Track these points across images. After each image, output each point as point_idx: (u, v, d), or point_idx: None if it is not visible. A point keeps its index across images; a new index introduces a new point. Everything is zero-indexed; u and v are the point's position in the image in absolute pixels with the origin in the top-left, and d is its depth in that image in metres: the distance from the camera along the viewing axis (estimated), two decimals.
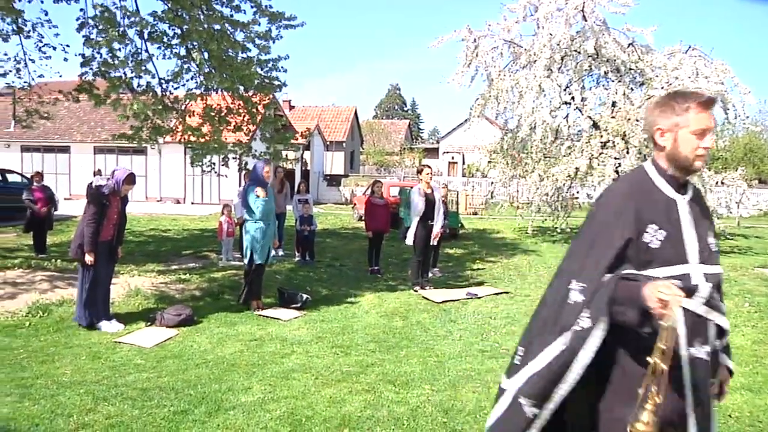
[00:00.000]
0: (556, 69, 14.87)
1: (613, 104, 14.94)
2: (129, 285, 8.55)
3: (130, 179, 6.81)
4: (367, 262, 11.32)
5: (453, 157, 44.29)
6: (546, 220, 17.43)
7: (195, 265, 11.10)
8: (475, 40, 15.80)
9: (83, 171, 28.00)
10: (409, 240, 9.42)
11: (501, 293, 9.28)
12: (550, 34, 14.65)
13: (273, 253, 8.25)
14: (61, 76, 11.89)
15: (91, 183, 6.82)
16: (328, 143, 39.17)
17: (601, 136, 14.81)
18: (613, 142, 14.62)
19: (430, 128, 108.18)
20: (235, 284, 9.11)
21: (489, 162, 18.98)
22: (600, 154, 14.79)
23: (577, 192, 17.17)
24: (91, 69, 9.07)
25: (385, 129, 55.77)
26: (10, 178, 18.72)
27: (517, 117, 15.52)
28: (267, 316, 7.57)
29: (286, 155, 12.74)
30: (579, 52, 14.95)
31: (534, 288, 9.79)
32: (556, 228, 16.76)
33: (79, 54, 9.09)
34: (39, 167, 27.52)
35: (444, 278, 10.72)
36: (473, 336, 6.84)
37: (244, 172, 12.24)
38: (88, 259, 6.61)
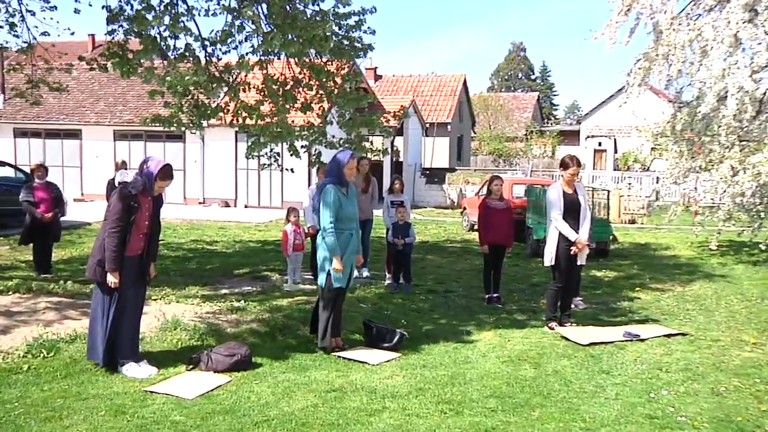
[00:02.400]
0: (763, 9, 13.97)
1: None
2: (164, 315, 8.82)
3: (166, 173, 6.96)
4: (482, 287, 11.32)
5: (600, 143, 43.23)
6: (742, 232, 16.67)
7: (252, 289, 11.39)
8: None
9: (100, 163, 29.57)
10: (548, 260, 9.25)
11: (675, 335, 8.96)
12: None
13: (356, 273, 8.32)
14: (73, 34, 11.82)
15: (112, 179, 7.16)
16: (427, 126, 39.40)
17: None
18: None
19: (567, 103, 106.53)
20: (305, 315, 9.27)
21: (654, 149, 18.38)
22: None
23: None
24: (121, 26, 9.24)
25: (505, 105, 55.50)
26: (1, 172, 18.46)
27: (697, 84, 14.81)
28: (349, 359, 7.65)
29: (372, 142, 12.86)
30: None
31: (726, 329, 9.36)
32: (758, 243, 15.94)
33: (104, 6, 9.31)
34: (40, 158, 28.85)
35: (591, 312, 10.50)
36: (636, 394, 6.64)
37: (316, 165, 12.49)
38: (111, 279, 6.76)
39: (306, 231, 12.14)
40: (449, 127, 42.19)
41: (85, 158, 30.05)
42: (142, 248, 7.02)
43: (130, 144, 29.01)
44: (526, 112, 57.45)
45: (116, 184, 6.92)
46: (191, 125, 11.02)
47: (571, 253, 9.13)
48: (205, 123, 11.40)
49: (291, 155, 12.01)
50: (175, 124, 10.75)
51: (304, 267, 12.51)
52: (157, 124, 10.77)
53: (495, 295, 11.06)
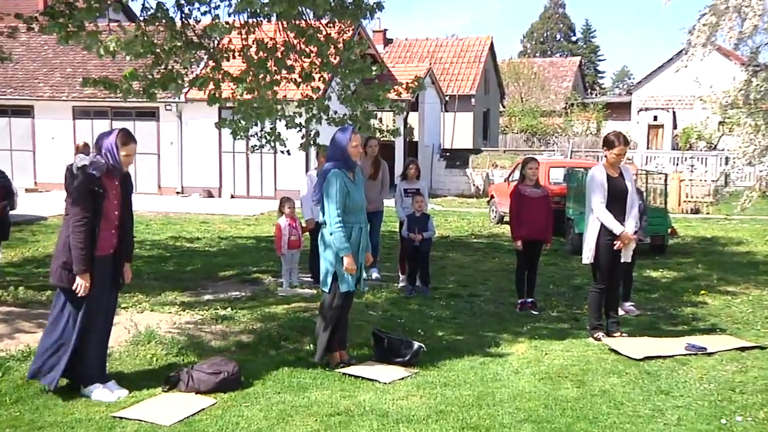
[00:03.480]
0: None
1: None
2: (136, 326, 8.85)
3: (127, 135, 7.01)
4: (514, 290, 11.33)
5: (655, 118, 43.17)
6: None
7: (240, 295, 11.44)
8: None
9: (57, 146, 29.51)
10: (587, 257, 9.25)
11: (750, 348, 8.91)
12: None
13: (365, 275, 8.33)
14: None
15: (71, 165, 7.00)
16: (447, 99, 39.38)
17: None
18: None
19: (615, 69, 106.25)
20: (304, 324, 9.32)
21: (722, 124, 18.27)
22: None
23: None
24: None
25: (540, 73, 55.47)
26: None
27: None
28: (356, 376, 7.66)
29: (381, 120, 12.88)
30: None
31: None
32: None
33: None
34: None
35: (645, 319, 10.49)
36: (703, 420, 6.63)
37: (315, 147, 12.52)
38: (80, 284, 6.73)
39: (304, 225, 12.18)
40: (473, 100, 42.16)
41: (39, 140, 30.17)
42: (114, 246, 7.01)
43: (93, 123, 29.08)
44: (566, 81, 57.41)
45: (76, 169, 6.89)
46: (145, 92, 10.87)
47: (615, 248, 9.12)
48: (181, 97, 11.35)
49: (288, 128, 12.01)
50: (142, 93, 10.62)
51: (302, 268, 12.51)
52: (115, 94, 10.61)
53: (529, 300, 11.05)
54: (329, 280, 7.82)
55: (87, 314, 6.91)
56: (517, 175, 14.78)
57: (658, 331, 9.78)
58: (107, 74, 12.45)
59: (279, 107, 11.63)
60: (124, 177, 7.09)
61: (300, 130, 12.34)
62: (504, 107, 51.80)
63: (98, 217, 6.82)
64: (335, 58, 11.55)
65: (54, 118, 29.78)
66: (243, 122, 11.55)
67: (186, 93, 23.54)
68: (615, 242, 9.12)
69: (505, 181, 23.07)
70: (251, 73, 10.97)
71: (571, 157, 32.58)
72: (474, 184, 33.53)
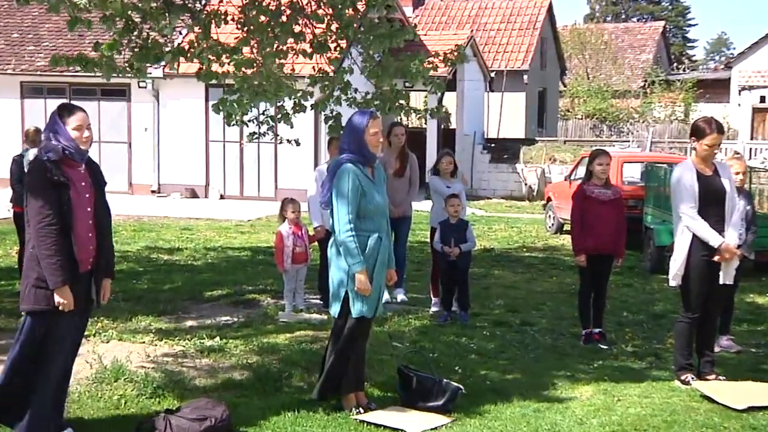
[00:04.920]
0: None
1: None
2: (100, 359, 8.83)
3: (67, 107, 7.06)
4: (577, 317, 11.32)
5: (762, 98, 42.79)
6: None
7: (231, 321, 11.48)
8: None
9: (0, 131, 29.66)
10: (675, 277, 9.17)
11: None
12: None
13: (387, 297, 8.32)
14: None
15: (19, 156, 7.04)
16: (492, 76, 39.34)
17: None
18: None
19: (710, 37, 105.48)
20: (312, 358, 9.31)
21: None
22: None
23: None
24: None
25: (612, 43, 55.20)
26: None
27: None
28: (377, 425, 7.66)
29: (406, 105, 12.87)
30: None
31: None
32: None
33: None
34: None
35: (747, 359, 10.42)
36: None
37: (327, 135, 12.54)
38: (60, 301, 6.65)
39: (311, 233, 12.19)
40: (526, 77, 42.05)
41: None
42: (93, 256, 6.96)
43: (46, 102, 29.14)
44: (645, 53, 57.16)
45: (28, 161, 6.96)
46: (130, 70, 10.96)
47: (713, 264, 9.03)
48: (157, 70, 11.40)
49: (295, 114, 12.03)
50: (102, 70, 10.65)
51: (310, 287, 12.52)
52: (81, 70, 10.69)
53: (597, 330, 11.01)
54: (340, 303, 7.80)
55: (56, 343, 6.87)
56: (581, 172, 14.75)
57: (765, 374, 9.67)
58: (66, 41, 12.54)
59: (288, 82, 11.67)
60: (89, 164, 7.07)
61: (320, 112, 12.36)
62: (565, 86, 51.62)
63: (68, 215, 6.72)
64: (355, 21, 11.57)
65: None
66: (243, 103, 11.56)
67: (164, 66, 23.69)
68: (712, 258, 9.01)
69: (565, 179, 23.01)
70: (250, 42, 11.01)
71: (650, 150, 32.43)
72: (526, 183, 33.42)
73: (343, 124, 11.70)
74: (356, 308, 7.74)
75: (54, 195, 6.70)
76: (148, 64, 10.90)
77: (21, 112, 29.57)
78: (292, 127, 12.36)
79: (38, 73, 29.07)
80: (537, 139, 37.83)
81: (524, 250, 19.55)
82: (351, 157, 7.75)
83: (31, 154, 7.09)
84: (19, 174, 12.70)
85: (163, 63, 11.18)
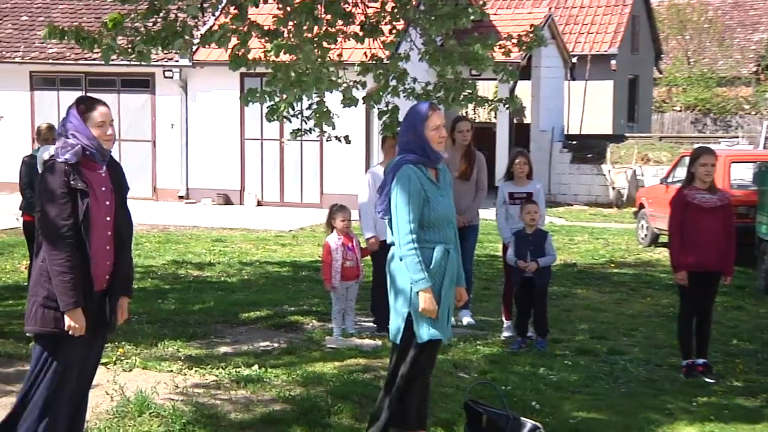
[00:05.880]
0: None
1: None
2: (122, 390, 8.90)
3: (88, 101, 7.00)
4: (676, 346, 11.22)
5: None
6: None
7: (271, 347, 11.51)
8: None
9: (7, 128, 29.93)
10: None
11: None
12: None
13: (453, 320, 8.29)
14: None
15: (30, 157, 7.01)
16: (574, 61, 39.09)
17: None
18: None
19: None
20: (364, 391, 9.32)
21: None
22: None
23: None
24: None
25: (718, 21, 54.40)
26: None
27: None
28: None
29: (474, 95, 12.83)
30: None
31: None
32: None
33: None
34: None
35: None
36: None
37: (381, 132, 12.54)
38: (71, 324, 6.65)
39: (364, 246, 12.21)
40: (614, 63, 41.66)
41: None
42: (110, 272, 6.97)
43: (59, 95, 29.55)
44: (759, 32, 56.24)
45: (42, 162, 6.96)
46: (131, 53, 10.98)
47: None
48: (184, 59, 11.47)
49: (345, 106, 12.06)
50: (98, 48, 10.66)
51: (361, 307, 12.54)
52: (94, 54, 10.82)
53: (700, 361, 10.87)
54: (400, 326, 7.75)
55: (56, 367, 6.85)
56: (680, 174, 14.63)
57: None
58: (83, 25, 12.63)
59: (332, 70, 11.69)
60: (111, 166, 7.06)
61: (372, 106, 12.37)
62: (661, 72, 51.08)
63: (86, 226, 6.72)
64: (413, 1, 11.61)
65: (2, 89, 30.28)
66: (292, 97, 11.58)
67: (194, 53, 23.79)
68: None
69: (661, 182, 22.78)
70: (291, 24, 11.05)
71: (765, 147, 32.00)
72: (614, 187, 33.12)
73: (401, 119, 11.79)
74: (421, 332, 7.63)
75: (71, 202, 6.67)
76: (155, 50, 10.93)
77: (31, 106, 29.88)
78: (333, 128, 12.36)
79: (50, 61, 29.30)
80: (627, 135, 37.41)
81: (612, 265, 19.40)
82: (412, 157, 7.68)
83: (45, 154, 7.00)
84: (29, 177, 12.72)
85: (194, 48, 11.26)
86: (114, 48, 10.25)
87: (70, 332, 6.62)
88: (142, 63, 11.10)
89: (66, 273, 6.57)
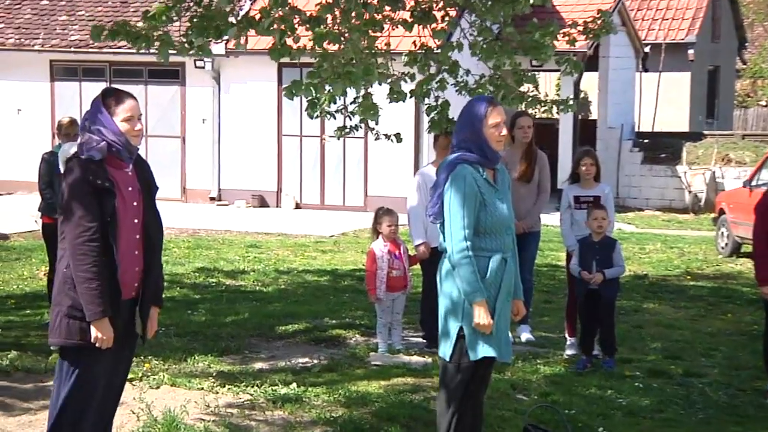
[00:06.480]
0: None
1: None
2: (149, 408, 8.93)
3: (115, 93, 7.00)
4: (762, 367, 11.13)
5: None
6: None
7: (311, 363, 11.54)
8: None
9: (25, 122, 30.22)
10: None
11: None
12: None
13: (511, 336, 8.28)
14: None
15: (50, 154, 7.00)
16: (646, 51, 38.86)
17: None
18: None
19: None
20: (413, 412, 9.32)
21: None
22: None
23: None
24: None
25: None
26: None
27: None
28: None
29: (533, 92, 12.77)
30: None
31: None
32: None
33: None
34: None
35: None
36: None
37: (428, 130, 12.51)
38: (98, 336, 6.66)
39: (412, 253, 12.21)
40: (691, 52, 41.46)
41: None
42: (139, 279, 7.00)
43: (81, 86, 29.76)
44: None
45: (62, 165, 6.96)
46: (189, 47, 11.08)
47: None
48: (218, 46, 11.49)
49: (391, 101, 12.08)
50: (154, 46, 10.81)
51: (409, 321, 12.55)
52: (123, 44, 10.90)
53: None
54: (452, 342, 7.70)
55: (75, 386, 6.87)
56: (766, 176, 14.54)
57: None
58: (107, 9, 12.71)
59: (380, 62, 11.70)
60: (138, 164, 7.10)
61: (423, 100, 12.37)
62: (744, 63, 50.68)
63: (113, 229, 6.74)
64: None
65: (21, 79, 30.48)
66: (336, 91, 11.59)
67: (227, 41, 23.80)
68: None
69: (744, 186, 22.66)
70: (336, 10, 11.07)
71: None
72: (690, 191, 32.91)
73: (451, 116, 11.77)
74: (474, 349, 7.58)
75: (96, 203, 6.67)
76: (209, 39, 11.01)
77: (51, 98, 30.11)
78: (377, 124, 12.35)
79: (72, 50, 29.44)
80: (705, 133, 37.13)
81: (688, 277, 19.29)
82: (468, 157, 7.63)
83: (68, 151, 6.98)
84: (49, 176, 12.78)
85: (226, 37, 11.28)
86: (171, 44, 10.31)
87: (97, 344, 6.62)
88: (202, 56, 11.16)
89: (92, 280, 6.56)
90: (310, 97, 11.79)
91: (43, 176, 13.04)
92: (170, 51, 10.67)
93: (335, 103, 11.94)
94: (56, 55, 30.02)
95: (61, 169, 6.95)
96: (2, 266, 17.58)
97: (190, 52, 10.95)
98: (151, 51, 10.74)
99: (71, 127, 12.90)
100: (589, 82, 33.55)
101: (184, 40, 10.84)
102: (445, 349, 7.73)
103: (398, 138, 12.81)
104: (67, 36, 29.48)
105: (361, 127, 12.74)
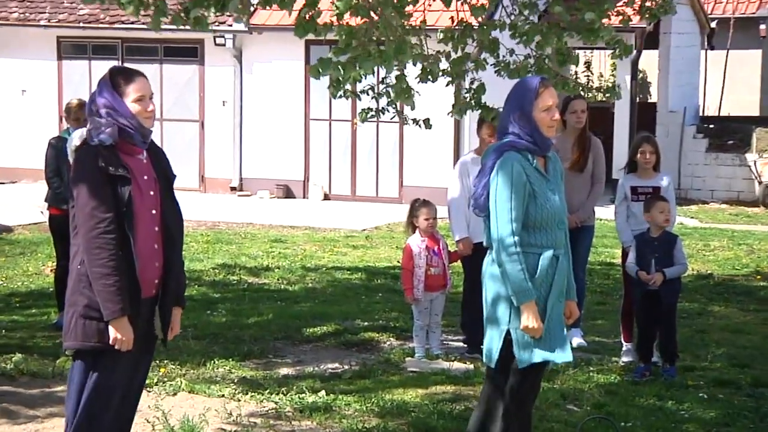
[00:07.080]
0: None
1: None
2: (165, 416, 9.02)
3: (124, 72, 7.05)
4: None
5: None
6: None
7: (341, 369, 11.59)
8: None
9: (29, 105, 30.34)
10: None
11: None
12: None
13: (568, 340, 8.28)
14: None
15: (57, 139, 7.00)
16: (712, 26, 38.66)
17: None
18: None
19: None
20: (452, 424, 9.34)
21: None
22: None
23: None
24: None
25: None
26: None
27: None
28: None
29: (588, 66, 12.77)
30: None
31: None
32: None
33: None
34: None
35: None
36: None
37: (450, 113, 12.49)
38: (117, 337, 6.68)
39: (454, 251, 12.22)
40: (763, 27, 41.17)
41: (1, 94, 31.08)
42: (159, 276, 7.04)
43: (90, 64, 29.92)
44: None
45: (71, 152, 6.95)
46: (185, 19, 11.07)
47: None
48: (240, 23, 11.42)
49: (423, 81, 12.08)
50: (141, 12, 10.79)
51: (449, 323, 12.57)
52: (135, 20, 10.91)
53: None
54: (498, 346, 7.70)
55: (92, 391, 6.90)
56: None
57: None
58: None
59: (414, 41, 11.71)
60: (152, 150, 7.13)
61: (452, 82, 12.37)
62: None
63: (129, 220, 6.73)
64: None
65: (25, 57, 30.61)
66: (366, 70, 11.59)
67: (251, 16, 23.87)
68: None
69: None
70: None
71: None
72: (761, 182, 32.74)
73: (487, 101, 11.77)
74: (522, 355, 7.57)
75: (110, 192, 6.66)
76: (212, 13, 10.99)
77: (58, 78, 30.21)
78: (412, 109, 12.24)
79: (81, 25, 29.49)
80: None
81: (758, 277, 19.17)
82: (516, 143, 7.59)
83: (77, 136, 6.90)
84: (56, 164, 12.77)
85: (228, 13, 11.26)
86: (165, 12, 10.29)
87: (116, 346, 6.64)
88: (197, 29, 11.10)
89: (109, 275, 6.57)
90: (339, 77, 11.77)
91: (50, 163, 13.04)
92: (163, 19, 10.59)
93: (360, 81, 11.89)
94: (64, 31, 30.06)
95: (70, 158, 6.85)
96: (6, 261, 17.71)
97: (186, 25, 10.87)
98: (141, 19, 10.73)
99: (80, 111, 12.74)
100: (649, 60, 33.33)
101: (181, 11, 10.79)
102: (490, 355, 7.72)
103: (427, 124, 12.77)
104: (75, 10, 29.49)
105: (389, 110, 12.69)
